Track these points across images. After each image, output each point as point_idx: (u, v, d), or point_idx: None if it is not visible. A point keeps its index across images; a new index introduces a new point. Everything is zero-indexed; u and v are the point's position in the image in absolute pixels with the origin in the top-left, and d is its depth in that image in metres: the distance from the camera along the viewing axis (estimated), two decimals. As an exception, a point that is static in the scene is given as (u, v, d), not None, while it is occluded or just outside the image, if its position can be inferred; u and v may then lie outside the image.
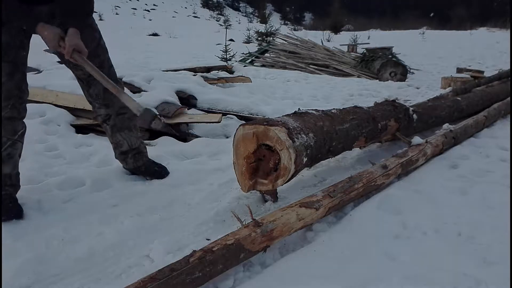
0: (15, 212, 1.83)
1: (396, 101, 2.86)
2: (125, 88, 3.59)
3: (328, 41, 17.47)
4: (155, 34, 20.95)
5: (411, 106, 2.98)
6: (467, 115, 3.52)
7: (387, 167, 2.12)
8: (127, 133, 2.29)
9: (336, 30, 24.47)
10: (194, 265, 1.23)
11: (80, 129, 3.19)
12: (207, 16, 52.35)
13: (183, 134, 3.27)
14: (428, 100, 4.02)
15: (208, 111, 3.67)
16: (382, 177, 2.06)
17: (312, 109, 2.10)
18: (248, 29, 19.40)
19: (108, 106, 2.19)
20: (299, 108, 2.08)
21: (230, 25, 31.19)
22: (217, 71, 5.32)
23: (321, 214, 1.71)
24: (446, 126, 2.92)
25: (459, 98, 3.69)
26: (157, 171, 2.39)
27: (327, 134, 1.98)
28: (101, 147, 2.81)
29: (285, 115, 1.95)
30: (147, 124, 1.91)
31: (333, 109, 2.25)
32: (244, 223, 1.48)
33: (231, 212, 1.74)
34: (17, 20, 1.84)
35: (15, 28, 1.86)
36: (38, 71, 4.53)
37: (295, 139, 1.74)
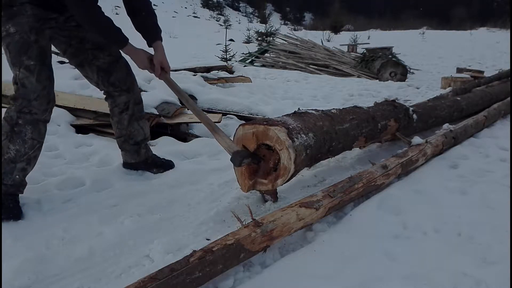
0: (15, 213, 1.83)
1: (396, 101, 2.86)
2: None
3: (328, 41, 17.47)
4: (155, 34, 20.93)
5: (411, 106, 2.98)
6: (467, 115, 3.52)
7: (387, 167, 2.12)
8: (144, 122, 2.34)
9: (336, 30, 24.47)
10: (194, 265, 1.23)
11: (80, 129, 3.19)
12: (207, 16, 52.31)
13: (183, 134, 3.27)
14: (428, 100, 4.02)
15: (208, 111, 3.67)
16: (382, 177, 2.06)
17: (312, 109, 2.10)
18: (248, 29, 19.41)
19: (129, 91, 2.21)
20: (299, 108, 2.08)
21: (230, 25, 31.17)
22: (217, 71, 5.31)
23: (321, 214, 1.71)
24: (446, 126, 2.92)
25: (459, 98, 3.69)
26: (165, 163, 2.46)
27: (327, 134, 1.97)
28: (101, 147, 2.81)
29: (285, 115, 1.95)
30: (236, 165, 1.83)
31: (333, 109, 2.25)
32: (244, 223, 1.48)
33: (231, 212, 1.74)
34: (113, 41, 1.96)
35: (48, 33, 1.91)
36: (38, 71, 4.53)
37: (295, 139, 1.74)
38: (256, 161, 1.83)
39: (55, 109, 3.21)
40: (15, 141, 1.84)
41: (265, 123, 1.78)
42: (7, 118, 1.85)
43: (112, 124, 2.33)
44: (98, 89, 2.25)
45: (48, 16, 1.89)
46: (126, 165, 2.42)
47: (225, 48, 9.02)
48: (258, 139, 1.80)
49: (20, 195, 1.93)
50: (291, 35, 11.70)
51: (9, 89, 3.43)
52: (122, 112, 2.25)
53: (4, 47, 1.83)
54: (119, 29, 1.92)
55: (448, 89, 5.36)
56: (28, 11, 1.81)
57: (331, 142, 2.01)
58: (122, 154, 2.41)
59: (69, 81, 3.56)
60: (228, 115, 3.69)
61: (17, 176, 1.88)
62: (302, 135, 1.79)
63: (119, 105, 2.23)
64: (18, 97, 1.83)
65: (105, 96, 2.25)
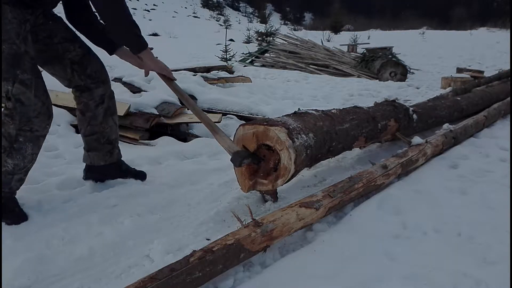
0: (21, 216, 1.80)
1: (396, 101, 2.86)
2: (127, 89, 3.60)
3: (328, 41, 17.49)
4: (155, 34, 20.96)
5: (411, 106, 2.98)
6: (467, 115, 3.52)
7: (387, 167, 2.12)
8: (117, 118, 2.20)
9: (336, 30, 24.49)
10: (194, 265, 1.23)
11: (80, 129, 3.19)
12: (207, 16, 52.33)
13: (183, 134, 3.27)
14: (428, 100, 4.02)
15: (208, 111, 3.67)
16: (382, 177, 2.06)
17: (312, 109, 2.10)
18: (248, 29, 19.43)
19: (105, 82, 2.08)
20: (299, 108, 2.08)
21: (230, 25, 31.22)
22: (217, 71, 5.31)
23: (321, 214, 1.71)
24: (446, 126, 2.92)
25: (459, 98, 3.69)
26: (139, 173, 2.30)
27: (327, 134, 1.97)
28: (101, 147, 2.80)
29: (285, 115, 1.95)
30: (236, 165, 1.79)
31: (333, 109, 2.25)
32: (244, 223, 1.48)
33: (231, 212, 1.74)
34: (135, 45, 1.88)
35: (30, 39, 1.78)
36: (38, 71, 4.53)
37: (295, 139, 1.74)
38: (256, 162, 1.83)
39: (55, 109, 3.22)
40: (14, 156, 1.74)
41: (265, 123, 1.78)
42: (5, 134, 1.71)
43: (82, 121, 2.12)
44: (68, 87, 2.09)
45: (25, 18, 1.71)
46: (91, 172, 2.20)
47: (225, 48, 9.02)
48: (258, 140, 1.80)
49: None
50: (291, 35, 11.70)
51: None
52: (98, 106, 2.08)
53: None
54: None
55: (448, 89, 5.36)
56: (8, 14, 1.62)
57: (331, 142, 2.01)
58: (90, 155, 2.18)
59: (69, 81, 3.56)
60: (228, 115, 3.69)
61: (14, 186, 1.82)
62: (302, 136, 1.79)
63: (95, 98, 2.07)
64: (16, 114, 1.68)
65: (78, 91, 2.06)
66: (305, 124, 1.88)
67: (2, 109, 1.72)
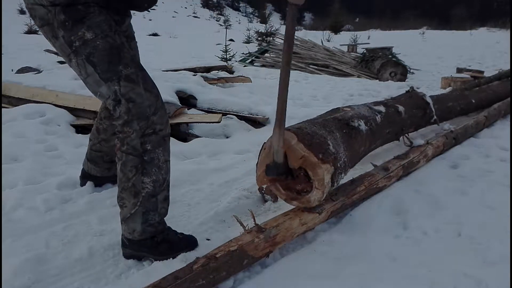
0: (191, 242, 1.61)
1: (429, 106, 2.79)
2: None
3: (328, 41, 17.47)
4: (155, 34, 20.96)
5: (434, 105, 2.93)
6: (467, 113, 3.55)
7: (389, 169, 2.11)
8: None
9: (336, 30, 24.48)
10: (198, 272, 1.22)
11: (80, 129, 3.19)
12: (207, 16, 52.36)
13: (183, 134, 3.26)
14: (447, 96, 3.93)
15: (208, 111, 3.67)
16: (383, 179, 2.05)
17: (361, 119, 1.99)
18: (248, 29, 19.44)
19: None
20: (349, 106, 2.06)
21: (230, 25, 31.25)
22: (217, 71, 5.32)
23: (324, 218, 1.69)
24: (447, 126, 2.92)
25: (473, 101, 3.66)
26: None
27: (359, 159, 1.96)
28: (101, 147, 2.80)
29: (338, 129, 1.79)
30: (268, 175, 1.62)
31: (380, 113, 2.21)
32: (245, 226, 1.47)
33: (231, 212, 1.74)
34: None
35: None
36: (38, 71, 4.54)
37: (335, 183, 1.66)
38: (286, 177, 1.65)
39: (55, 109, 3.23)
40: (149, 172, 1.49)
41: (320, 156, 1.57)
42: (129, 150, 1.47)
43: (94, 136, 2.07)
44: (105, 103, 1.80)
45: (112, 18, 1.50)
46: (87, 178, 2.15)
47: (225, 48, 9.02)
48: (303, 163, 1.59)
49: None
50: (291, 35, 11.69)
51: (8, 89, 3.44)
52: (115, 134, 1.86)
53: (81, 62, 1.41)
54: None
55: (448, 89, 5.36)
56: (94, 9, 1.40)
57: (357, 161, 1.99)
58: (88, 165, 2.13)
59: (69, 81, 3.56)
60: (228, 115, 3.68)
61: (163, 209, 1.58)
62: (342, 175, 1.71)
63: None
64: (132, 118, 1.44)
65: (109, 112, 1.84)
66: (351, 153, 1.78)
67: (117, 128, 1.48)
